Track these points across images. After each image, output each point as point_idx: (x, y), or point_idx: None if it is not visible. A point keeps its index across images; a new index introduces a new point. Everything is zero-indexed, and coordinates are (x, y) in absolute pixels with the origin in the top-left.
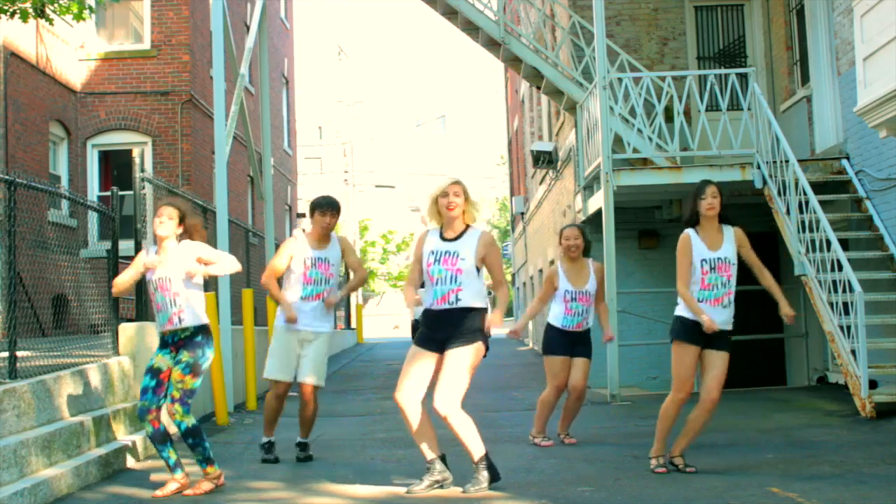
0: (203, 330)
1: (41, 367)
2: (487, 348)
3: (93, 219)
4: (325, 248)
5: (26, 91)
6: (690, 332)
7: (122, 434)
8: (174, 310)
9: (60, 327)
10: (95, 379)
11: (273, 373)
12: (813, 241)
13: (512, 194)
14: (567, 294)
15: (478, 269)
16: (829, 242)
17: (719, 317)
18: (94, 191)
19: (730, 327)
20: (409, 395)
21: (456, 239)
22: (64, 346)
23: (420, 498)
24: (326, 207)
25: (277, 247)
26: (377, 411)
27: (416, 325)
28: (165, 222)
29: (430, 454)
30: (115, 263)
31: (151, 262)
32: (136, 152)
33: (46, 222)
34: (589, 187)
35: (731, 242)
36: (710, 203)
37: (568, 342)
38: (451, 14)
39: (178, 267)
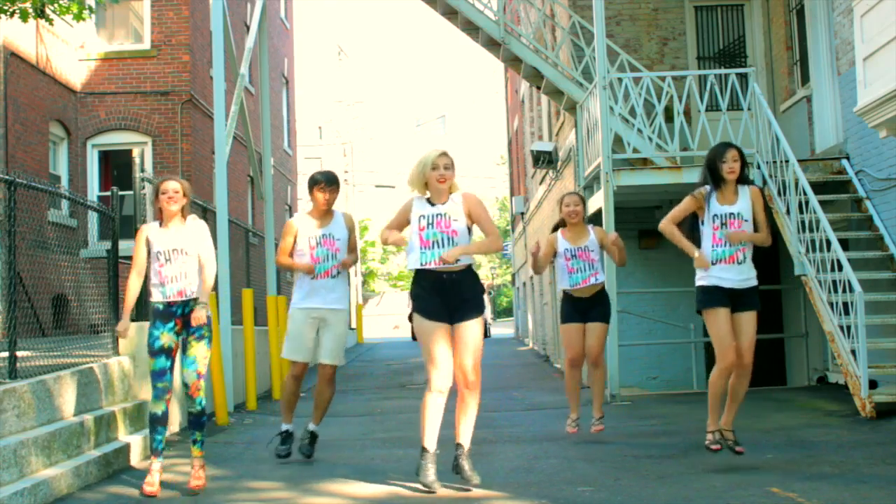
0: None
1: (41, 367)
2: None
3: (93, 219)
4: (328, 223)
5: (26, 91)
6: (713, 295)
7: (122, 434)
8: (185, 281)
9: (60, 327)
10: (95, 379)
11: (289, 353)
12: (813, 241)
13: (512, 194)
14: (567, 252)
15: (469, 230)
16: (829, 242)
17: (736, 275)
18: (94, 191)
19: (753, 283)
20: (448, 384)
21: (443, 203)
22: (64, 346)
23: (420, 498)
24: (325, 183)
25: (278, 247)
26: (377, 411)
27: None
28: (174, 197)
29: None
30: (115, 263)
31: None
32: (136, 152)
33: (46, 222)
34: (589, 187)
35: (746, 199)
36: (730, 167)
37: (580, 308)
38: (451, 14)
39: (191, 240)
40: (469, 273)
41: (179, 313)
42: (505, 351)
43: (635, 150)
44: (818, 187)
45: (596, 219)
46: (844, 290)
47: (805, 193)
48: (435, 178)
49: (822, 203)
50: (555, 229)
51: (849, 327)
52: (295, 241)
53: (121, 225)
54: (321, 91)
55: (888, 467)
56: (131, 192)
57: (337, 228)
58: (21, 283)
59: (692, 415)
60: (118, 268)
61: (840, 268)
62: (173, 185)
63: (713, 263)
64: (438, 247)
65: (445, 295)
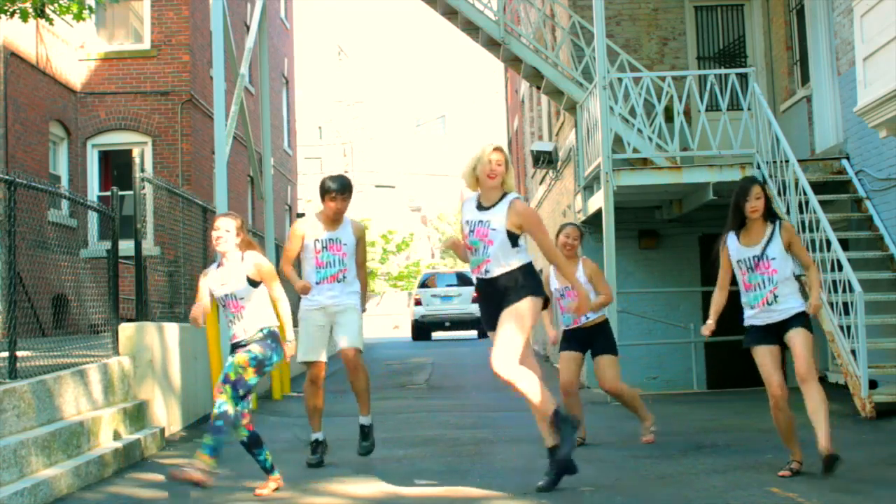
0: (272, 335)
1: (41, 367)
2: (546, 300)
3: (93, 219)
4: (336, 228)
5: (26, 91)
6: (752, 335)
7: (122, 434)
8: (240, 325)
9: (60, 327)
10: (95, 379)
11: (302, 355)
12: (813, 241)
13: None
14: (556, 293)
15: (516, 237)
16: (829, 242)
17: (769, 315)
18: (94, 191)
19: (793, 313)
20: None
21: (491, 207)
22: (64, 346)
23: (420, 498)
24: (336, 192)
25: (277, 247)
26: (378, 411)
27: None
28: (224, 236)
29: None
30: (115, 263)
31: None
32: (136, 152)
33: (46, 222)
34: (589, 187)
35: (774, 239)
36: (753, 206)
37: (579, 339)
38: (451, 14)
39: (241, 280)
40: (501, 278)
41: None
42: None
43: (635, 150)
44: (818, 187)
45: (596, 219)
46: (844, 290)
47: (805, 193)
48: (485, 172)
49: (822, 203)
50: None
51: (849, 327)
52: (303, 245)
53: (121, 225)
54: (321, 91)
55: (888, 467)
56: (131, 192)
57: (345, 234)
58: (21, 283)
59: (692, 415)
60: (118, 268)
61: (840, 268)
62: (225, 222)
63: (752, 308)
64: (475, 254)
65: (487, 302)
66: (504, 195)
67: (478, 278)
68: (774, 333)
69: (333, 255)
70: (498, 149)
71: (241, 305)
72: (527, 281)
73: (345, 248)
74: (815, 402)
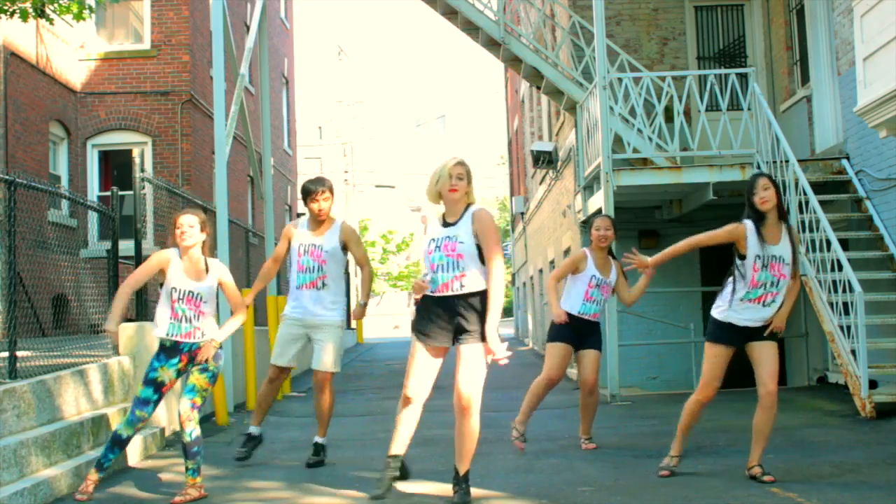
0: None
1: (41, 367)
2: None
3: (93, 219)
4: (321, 234)
5: (26, 91)
6: (722, 331)
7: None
8: (196, 324)
9: (60, 327)
10: (95, 379)
11: (273, 357)
12: (813, 241)
13: (512, 194)
14: (593, 279)
15: (480, 250)
16: (829, 242)
17: (754, 315)
18: (94, 191)
19: (766, 322)
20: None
21: (456, 223)
22: (64, 346)
23: (419, 498)
24: (315, 193)
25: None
26: (377, 411)
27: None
28: (188, 231)
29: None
30: (115, 263)
31: (176, 272)
32: (136, 152)
33: (46, 222)
34: (589, 187)
35: (786, 242)
36: (761, 196)
37: (576, 332)
38: (451, 14)
39: (207, 284)
40: (473, 296)
41: (186, 350)
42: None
43: (635, 150)
44: (818, 187)
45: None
46: (844, 290)
47: (805, 193)
48: (445, 187)
49: (822, 203)
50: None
51: (849, 327)
52: (290, 247)
53: (121, 225)
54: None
55: (888, 467)
56: (131, 192)
57: (329, 240)
58: (21, 283)
59: None
60: (118, 268)
61: (840, 268)
62: (188, 218)
63: (742, 301)
64: (443, 271)
65: (446, 319)
66: (468, 206)
67: (439, 296)
68: (741, 337)
69: (314, 261)
70: (460, 163)
71: (201, 309)
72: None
73: (325, 254)
74: (769, 418)
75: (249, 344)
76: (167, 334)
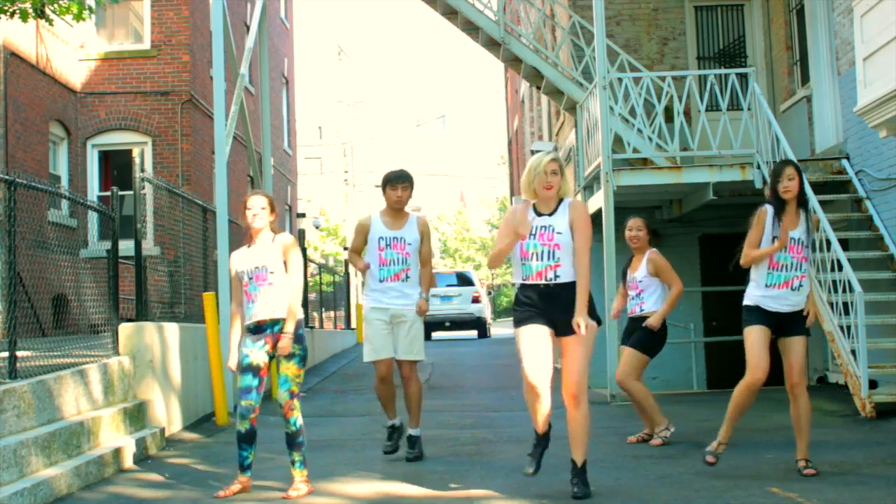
0: (301, 323)
1: (41, 367)
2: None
3: (93, 219)
4: (400, 227)
5: (26, 91)
6: (753, 314)
7: (123, 434)
8: (272, 302)
9: (60, 327)
10: (95, 379)
11: (368, 355)
12: (813, 241)
13: (512, 194)
14: (631, 279)
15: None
16: (829, 242)
17: (783, 301)
18: (94, 191)
19: (801, 308)
20: (539, 375)
21: (552, 213)
22: (64, 346)
23: (419, 498)
24: (397, 181)
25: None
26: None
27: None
28: (259, 213)
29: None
30: (115, 263)
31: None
32: (136, 152)
33: (46, 222)
34: (589, 187)
35: (809, 228)
36: (785, 186)
37: (629, 330)
38: (451, 14)
39: (276, 258)
40: (570, 286)
41: (269, 331)
42: (505, 351)
43: (635, 150)
44: (818, 187)
45: (596, 219)
46: (844, 290)
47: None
48: (542, 184)
49: (822, 203)
50: None
51: (849, 327)
52: (367, 242)
53: (121, 225)
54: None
55: (888, 467)
56: (131, 192)
57: (409, 232)
58: (21, 283)
59: (692, 415)
60: (118, 268)
61: (840, 268)
62: (259, 200)
63: (768, 287)
64: (539, 259)
65: (546, 308)
66: (562, 200)
67: (535, 284)
68: (774, 323)
69: (398, 253)
70: (554, 159)
71: (269, 281)
72: (591, 301)
73: (409, 247)
74: (804, 410)
75: None
76: (249, 318)
